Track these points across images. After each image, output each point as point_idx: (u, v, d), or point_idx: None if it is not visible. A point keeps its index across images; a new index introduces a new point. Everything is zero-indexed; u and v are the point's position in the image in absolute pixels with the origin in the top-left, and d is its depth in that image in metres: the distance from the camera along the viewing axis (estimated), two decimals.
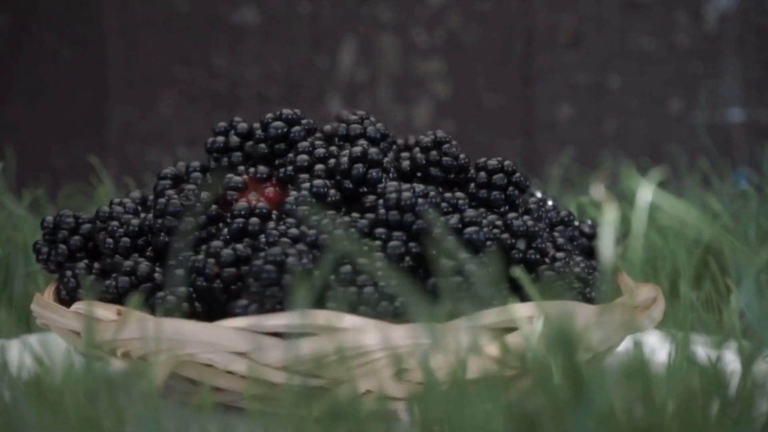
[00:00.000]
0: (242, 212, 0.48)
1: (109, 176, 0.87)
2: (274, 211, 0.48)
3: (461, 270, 0.43)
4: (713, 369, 0.34)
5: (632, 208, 0.39)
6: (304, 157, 0.50)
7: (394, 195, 0.47)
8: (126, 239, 0.49)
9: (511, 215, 0.48)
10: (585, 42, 1.13)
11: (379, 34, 1.15)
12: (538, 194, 0.54)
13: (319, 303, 0.42)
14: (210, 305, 0.45)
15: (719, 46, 1.11)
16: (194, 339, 0.42)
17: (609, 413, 0.31)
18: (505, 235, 0.47)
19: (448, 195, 0.48)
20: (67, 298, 0.49)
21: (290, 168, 0.50)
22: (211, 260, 0.45)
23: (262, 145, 0.51)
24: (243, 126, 0.53)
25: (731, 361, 0.36)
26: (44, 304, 0.47)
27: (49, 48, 1.16)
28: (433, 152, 0.51)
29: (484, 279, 0.42)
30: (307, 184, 0.49)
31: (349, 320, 0.41)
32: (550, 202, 0.53)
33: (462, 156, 0.51)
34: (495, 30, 1.14)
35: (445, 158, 0.51)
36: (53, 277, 0.52)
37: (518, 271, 0.41)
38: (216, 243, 0.46)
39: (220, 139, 0.53)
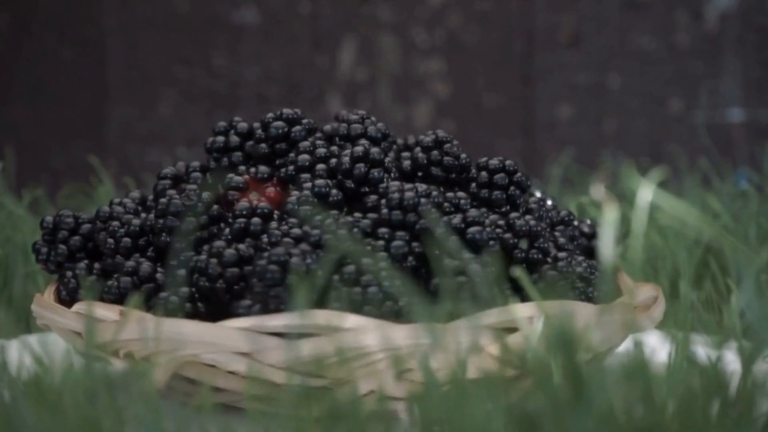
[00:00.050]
0: (244, 212, 0.48)
1: (109, 176, 0.86)
2: (276, 211, 0.48)
3: (464, 270, 0.43)
4: (713, 369, 0.34)
5: (632, 208, 0.39)
6: (306, 156, 0.50)
7: (396, 195, 0.46)
8: (127, 239, 0.49)
9: (513, 215, 0.48)
10: (585, 42, 1.13)
11: (379, 34, 1.15)
12: (538, 194, 0.54)
13: (322, 303, 0.42)
14: (212, 305, 0.45)
15: (719, 46, 1.11)
16: (197, 339, 0.42)
17: (609, 413, 0.31)
18: (508, 235, 0.47)
19: (450, 195, 0.48)
20: (67, 298, 0.49)
21: (291, 168, 0.50)
22: (214, 260, 0.45)
23: (263, 145, 0.51)
24: (243, 126, 0.53)
25: (731, 361, 0.36)
26: (45, 304, 0.47)
27: (49, 48, 1.16)
28: (435, 152, 0.51)
29: (486, 279, 0.42)
30: (308, 184, 0.49)
31: (350, 320, 0.41)
32: (549, 202, 0.53)
33: (463, 156, 0.51)
34: (495, 30, 1.14)
35: (446, 158, 0.51)
36: (53, 278, 0.52)
37: (518, 271, 0.41)
38: (218, 243, 0.45)
39: (220, 139, 0.53)
